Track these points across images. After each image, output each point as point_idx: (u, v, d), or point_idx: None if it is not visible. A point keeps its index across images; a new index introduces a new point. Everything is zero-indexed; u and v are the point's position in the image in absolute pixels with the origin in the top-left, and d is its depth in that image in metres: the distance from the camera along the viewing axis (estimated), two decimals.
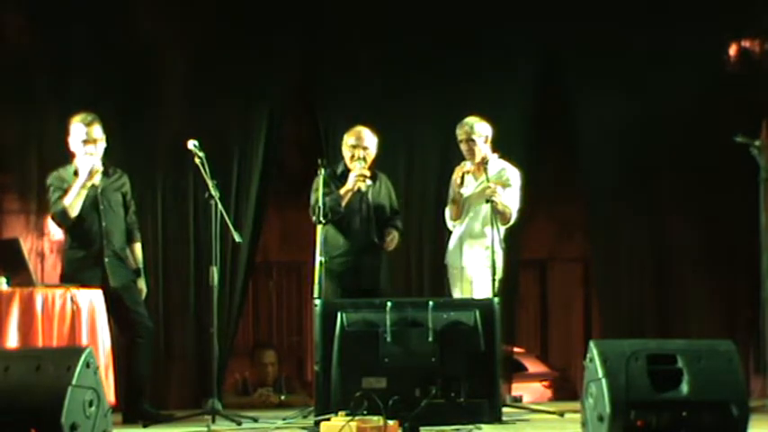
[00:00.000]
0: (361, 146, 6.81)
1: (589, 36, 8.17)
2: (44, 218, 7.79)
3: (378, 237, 6.81)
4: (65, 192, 6.41)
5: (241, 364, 8.77)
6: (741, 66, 8.31)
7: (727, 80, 8.22)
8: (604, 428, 4.71)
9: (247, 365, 8.72)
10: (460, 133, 6.90)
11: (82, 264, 6.47)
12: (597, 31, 8.15)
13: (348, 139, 6.86)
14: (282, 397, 8.16)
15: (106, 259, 6.48)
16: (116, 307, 6.44)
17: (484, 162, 6.80)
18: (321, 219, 6.53)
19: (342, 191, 6.73)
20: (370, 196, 6.84)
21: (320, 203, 6.54)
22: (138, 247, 6.76)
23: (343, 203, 6.71)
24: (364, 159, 6.79)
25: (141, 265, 6.76)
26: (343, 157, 6.89)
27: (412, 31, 8.14)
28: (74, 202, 6.38)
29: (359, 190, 6.77)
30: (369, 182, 6.75)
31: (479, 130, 6.87)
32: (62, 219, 6.44)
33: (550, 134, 8.52)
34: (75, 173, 6.46)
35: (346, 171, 6.83)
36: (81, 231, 6.47)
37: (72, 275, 6.39)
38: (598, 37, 8.15)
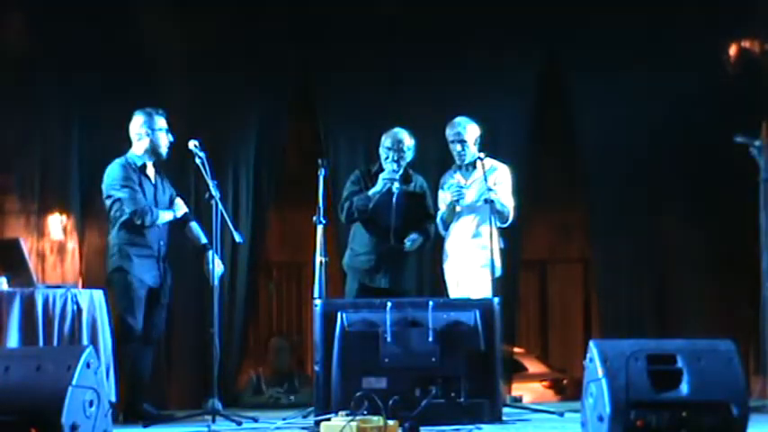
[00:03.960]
0: (395, 148, 6.86)
1: (589, 36, 8.18)
2: (44, 218, 7.81)
3: (398, 239, 6.85)
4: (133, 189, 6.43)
5: (254, 361, 8.87)
6: (741, 66, 8.31)
7: (727, 80, 8.22)
8: (604, 428, 4.72)
9: (260, 361, 8.83)
10: (451, 134, 6.92)
11: (146, 263, 6.50)
12: (597, 31, 8.16)
13: (384, 141, 6.92)
14: (292, 398, 8.20)
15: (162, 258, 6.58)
16: (154, 305, 6.54)
17: (481, 162, 6.80)
18: (322, 219, 6.58)
19: (370, 192, 6.81)
20: (400, 199, 6.88)
21: (320, 204, 6.58)
22: None
23: (371, 204, 6.77)
24: (398, 162, 6.84)
25: None
26: (379, 157, 6.94)
27: (412, 32, 8.15)
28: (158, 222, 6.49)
29: (389, 191, 6.81)
30: (397, 183, 6.81)
31: (470, 130, 6.89)
32: (142, 219, 6.43)
33: (550, 134, 8.52)
34: (133, 167, 6.48)
35: (379, 171, 6.89)
36: (147, 230, 6.50)
37: (138, 273, 6.44)
38: (598, 37, 8.16)
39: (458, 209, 6.87)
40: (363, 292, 6.82)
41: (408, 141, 6.91)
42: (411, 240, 6.85)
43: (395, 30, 8.18)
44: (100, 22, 7.82)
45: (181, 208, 6.68)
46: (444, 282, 7.04)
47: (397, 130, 6.94)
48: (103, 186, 6.54)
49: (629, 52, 8.13)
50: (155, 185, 6.61)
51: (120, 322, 6.42)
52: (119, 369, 6.31)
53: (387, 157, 6.87)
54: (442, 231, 7.02)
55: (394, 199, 6.86)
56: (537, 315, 10.86)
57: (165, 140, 6.60)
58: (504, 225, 6.86)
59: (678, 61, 8.09)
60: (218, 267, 6.59)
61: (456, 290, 6.90)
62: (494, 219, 6.64)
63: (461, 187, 6.84)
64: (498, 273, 6.72)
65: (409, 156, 6.93)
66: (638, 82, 8.11)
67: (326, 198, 6.72)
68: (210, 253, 6.57)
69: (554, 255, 10.48)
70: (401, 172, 6.88)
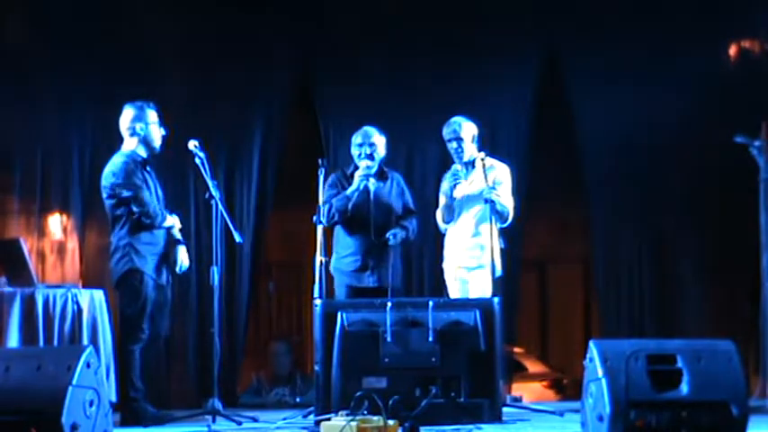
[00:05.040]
0: (366, 143, 6.88)
1: (589, 36, 8.18)
2: (45, 218, 7.81)
3: (380, 235, 6.84)
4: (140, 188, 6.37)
5: (254, 364, 8.87)
6: (741, 66, 8.31)
7: (728, 80, 8.22)
8: (604, 428, 4.72)
9: (260, 364, 8.83)
10: (447, 133, 6.94)
11: (157, 260, 6.47)
12: (597, 31, 8.16)
13: (355, 139, 6.94)
14: (298, 399, 8.21)
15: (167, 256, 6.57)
16: (162, 303, 6.53)
17: (481, 160, 6.81)
18: (322, 219, 6.59)
19: (348, 191, 6.80)
20: (378, 195, 6.88)
21: (321, 204, 6.61)
22: None
23: (350, 204, 6.76)
24: (371, 157, 6.85)
25: None
26: (353, 158, 6.94)
27: (412, 31, 8.16)
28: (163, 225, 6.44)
29: (366, 189, 6.81)
30: (374, 180, 6.79)
31: (466, 129, 6.91)
32: (151, 220, 6.38)
33: (550, 134, 8.52)
34: (135, 161, 6.43)
35: (355, 171, 6.89)
36: (156, 228, 6.50)
37: (152, 272, 6.40)
38: (598, 37, 8.16)
39: (456, 193, 6.85)
40: (352, 293, 6.79)
41: (378, 137, 6.92)
42: (392, 234, 6.83)
43: (395, 30, 8.18)
44: (100, 22, 7.82)
45: (176, 222, 6.62)
46: (444, 281, 7.04)
47: (365, 127, 6.96)
48: (106, 183, 6.43)
49: (628, 52, 8.13)
50: (154, 180, 6.59)
51: (131, 323, 6.36)
52: (121, 368, 6.31)
53: (359, 155, 6.89)
54: (441, 229, 7.03)
55: (372, 196, 6.86)
56: (537, 315, 10.84)
57: (158, 134, 6.53)
58: (504, 225, 6.87)
59: (678, 61, 8.09)
60: (185, 261, 6.60)
61: (456, 289, 6.90)
62: (494, 216, 6.65)
63: (456, 174, 6.84)
64: (498, 273, 6.72)
65: (382, 152, 6.93)
66: (637, 82, 8.11)
67: None
68: (180, 247, 6.58)
69: (554, 255, 10.47)
70: (375, 167, 6.88)
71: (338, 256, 6.93)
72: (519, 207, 7.06)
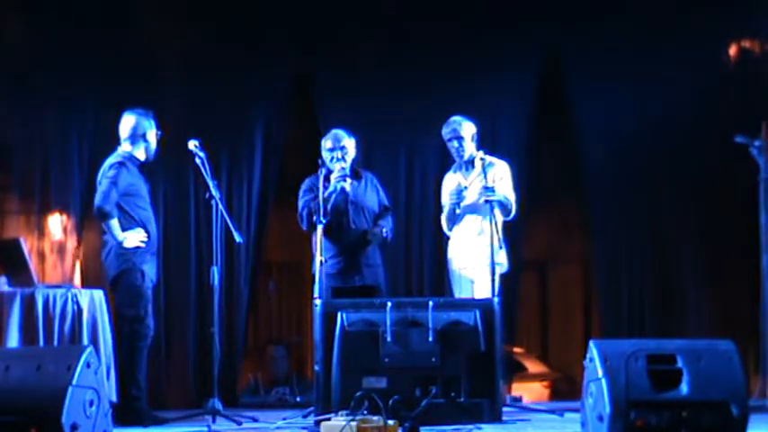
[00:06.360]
0: (337, 147, 6.91)
1: (590, 37, 8.18)
2: (44, 218, 7.81)
3: (359, 234, 6.86)
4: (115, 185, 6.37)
5: (252, 364, 8.87)
6: (741, 66, 8.31)
7: (727, 80, 8.22)
8: (604, 428, 4.72)
9: (258, 365, 8.81)
10: (447, 132, 6.97)
11: (153, 260, 6.51)
12: (598, 32, 8.16)
13: (325, 144, 6.97)
14: (298, 398, 8.20)
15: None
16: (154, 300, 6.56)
17: (480, 159, 6.82)
18: (322, 219, 6.59)
19: (325, 194, 6.78)
20: (355, 196, 6.88)
21: (321, 204, 6.60)
22: None
23: (329, 206, 6.77)
24: (343, 159, 6.86)
25: None
26: (323, 163, 6.94)
27: (412, 31, 8.16)
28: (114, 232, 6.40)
29: (343, 191, 6.81)
30: (349, 180, 6.82)
31: (466, 128, 6.94)
32: (99, 217, 6.41)
33: (551, 134, 8.52)
34: (131, 163, 6.47)
35: (329, 175, 6.89)
36: (151, 228, 6.50)
37: (149, 272, 6.44)
38: (598, 37, 8.16)
39: (458, 211, 6.90)
40: (336, 295, 6.71)
41: (348, 140, 6.96)
42: (372, 235, 6.86)
43: (395, 30, 8.19)
44: (100, 22, 7.82)
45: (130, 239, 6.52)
46: (446, 281, 7.04)
47: (335, 131, 7.00)
48: (99, 190, 6.47)
49: (629, 52, 8.13)
50: (146, 183, 6.59)
51: (137, 321, 6.37)
52: (122, 367, 6.30)
53: (332, 159, 6.90)
54: (446, 231, 7.03)
55: (349, 196, 6.87)
56: (537, 315, 10.83)
57: (155, 141, 6.60)
58: (509, 218, 6.89)
59: (678, 61, 8.09)
60: None
61: (461, 289, 6.89)
62: (494, 217, 6.65)
63: (460, 191, 6.85)
64: (505, 269, 6.74)
65: (352, 153, 6.96)
66: (638, 82, 8.11)
67: None
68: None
69: (554, 255, 10.46)
70: (348, 167, 6.88)
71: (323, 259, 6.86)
72: (519, 207, 7.06)
